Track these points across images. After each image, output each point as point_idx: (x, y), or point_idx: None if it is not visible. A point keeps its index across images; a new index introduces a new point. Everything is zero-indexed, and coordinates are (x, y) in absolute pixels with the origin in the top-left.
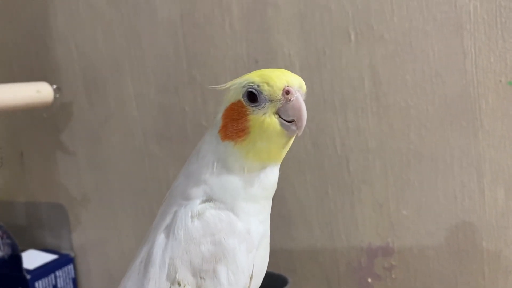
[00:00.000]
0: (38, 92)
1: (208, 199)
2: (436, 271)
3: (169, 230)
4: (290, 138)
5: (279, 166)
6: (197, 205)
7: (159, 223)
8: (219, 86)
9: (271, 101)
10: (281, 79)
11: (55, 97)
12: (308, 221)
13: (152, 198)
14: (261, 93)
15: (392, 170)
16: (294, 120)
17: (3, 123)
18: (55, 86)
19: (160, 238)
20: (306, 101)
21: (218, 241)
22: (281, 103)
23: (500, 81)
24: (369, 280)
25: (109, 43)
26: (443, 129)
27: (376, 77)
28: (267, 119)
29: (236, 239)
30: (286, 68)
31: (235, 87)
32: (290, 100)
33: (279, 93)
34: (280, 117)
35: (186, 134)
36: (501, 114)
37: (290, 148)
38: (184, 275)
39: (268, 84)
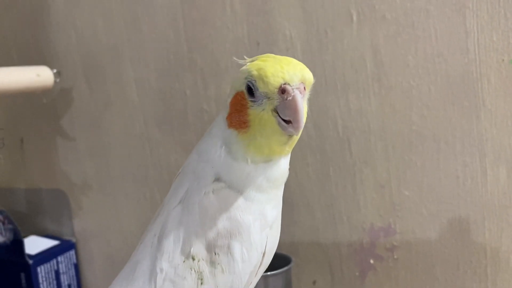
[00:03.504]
0: (38, 75)
1: (219, 179)
2: (438, 251)
3: (184, 205)
4: (291, 136)
5: (288, 158)
6: (210, 182)
7: (172, 198)
8: (241, 60)
9: (268, 98)
10: (276, 77)
11: (55, 82)
12: (309, 203)
13: (153, 183)
14: (257, 89)
15: (394, 151)
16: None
17: (3, 110)
18: (55, 70)
19: (174, 212)
20: (307, 98)
21: (233, 217)
22: (278, 101)
23: (503, 60)
24: (371, 261)
25: (109, 28)
26: (445, 109)
27: (378, 58)
28: (264, 116)
29: (251, 216)
30: (288, 50)
31: (240, 75)
32: (286, 99)
33: (274, 91)
34: (279, 114)
35: (187, 119)
36: (503, 93)
37: None
38: (199, 250)
39: (263, 81)
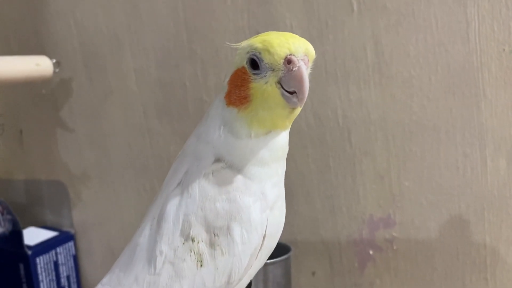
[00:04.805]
0: (38, 65)
1: (219, 160)
2: (438, 242)
3: (183, 187)
4: (294, 108)
5: (287, 132)
6: (210, 164)
7: (170, 180)
8: (234, 44)
9: (273, 70)
10: (282, 47)
11: (54, 72)
12: (309, 194)
13: (153, 174)
14: (262, 61)
15: (394, 142)
16: (295, 91)
17: (2, 100)
18: (54, 60)
19: (173, 194)
20: (309, 73)
21: (233, 198)
22: (283, 73)
23: (503, 49)
24: (371, 252)
25: (109, 18)
26: (446, 99)
27: (379, 47)
28: (268, 88)
29: (251, 198)
30: None
31: (240, 52)
32: (292, 70)
33: (280, 61)
34: (282, 86)
35: (186, 110)
36: (503, 83)
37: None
38: (198, 232)
39: (269, 52)
